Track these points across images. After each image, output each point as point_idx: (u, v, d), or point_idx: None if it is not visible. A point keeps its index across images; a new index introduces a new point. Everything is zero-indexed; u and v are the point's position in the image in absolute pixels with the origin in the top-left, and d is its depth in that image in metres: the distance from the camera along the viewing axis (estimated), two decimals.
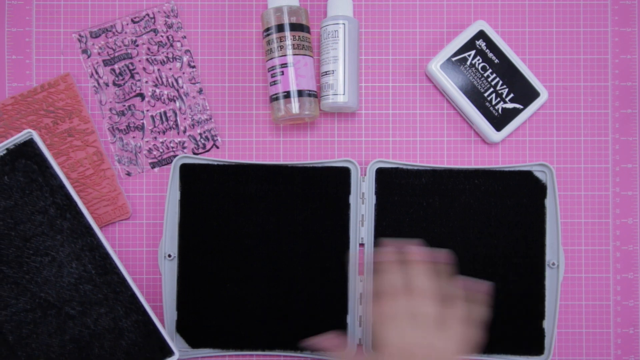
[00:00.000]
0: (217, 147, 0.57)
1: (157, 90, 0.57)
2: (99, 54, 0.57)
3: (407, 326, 0.43)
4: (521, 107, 0.56)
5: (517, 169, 0.56)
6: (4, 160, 0.48)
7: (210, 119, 0.57)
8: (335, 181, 0.55)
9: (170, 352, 0.51)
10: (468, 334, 0.45)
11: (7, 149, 0.48)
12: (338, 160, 0.55)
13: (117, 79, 0.57)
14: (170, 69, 0.57)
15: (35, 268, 0.48)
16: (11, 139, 0.49)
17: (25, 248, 0.48)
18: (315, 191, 0.55)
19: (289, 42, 0.53)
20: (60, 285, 0.48)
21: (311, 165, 0.55)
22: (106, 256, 0.50)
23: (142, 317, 0.50)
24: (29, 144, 0.49)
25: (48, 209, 0.48)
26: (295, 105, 0.53)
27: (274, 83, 0.54)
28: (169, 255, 0.55)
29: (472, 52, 0.56)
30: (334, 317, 0.55)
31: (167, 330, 0.55)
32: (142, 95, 0.57)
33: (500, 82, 0.56)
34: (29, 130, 0.49)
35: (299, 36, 0.53)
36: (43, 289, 0.48)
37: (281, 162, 0.57)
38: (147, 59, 0.57)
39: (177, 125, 0.57)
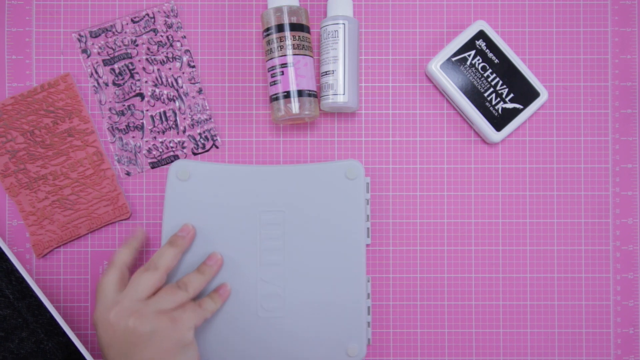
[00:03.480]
0: (217, 147, 0.57)
1: (157, 90, 0.57)
2: (98, 53, 0.57)
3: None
4: (521, 107, 0.56)
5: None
6: None
7: (210, 118, 0.57)
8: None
9: None
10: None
11: None
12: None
13: (116, 78, 0.57)
14: (170, 68, 0.57)
15: None
16: None
17: None
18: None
19: (289, 42, 0.53)
20: None
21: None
22: (22, 280, 0.50)
23: (63, 339, 0.51)
24: None
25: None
26: (295, 105, 0.53)
27: (274, 83, 0.54)
28: None
29: (472, 52, 0.56)
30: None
31: None
32: (141, 95, 0.57)
33: (500, 82, 0.56)
34: None
35: (299, 36, 0.53)
36: None
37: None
38: (146, 59, 0.57)
39: (176, 125, 0.57)
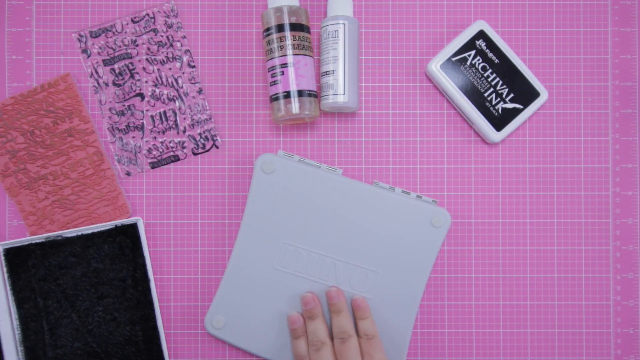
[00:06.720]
0: (217, 147, 0.57)
1: (157, 90, 0.57)
2: (98, 53, 0.57)
3: None
4: (521, 107, 0.56)
5: None
6: (110, 232, 0.56)
7: (210, 118, 0.57)
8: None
9: None
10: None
11: (115, 225, 0.56)
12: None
13: (116, 78, 0.57)
14: (170, 68, 0.57)
15: (97, 322, 0.55)
16: (123, 220, 0.56)
17: (97, 305, 0.55)
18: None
19: (289, 42, 0.53)
20: (111, 341, 0.55)
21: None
22: (155, 328, 0.56)
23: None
24: (134, 226, 0.56)
25: (127, 279, 0.56)
26: (295, 105, 0.53)
27: (274, 83, 0.54)
28: None
29: (472, 52, 0.56)
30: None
31: None
32: (141, 95, 0.57)
33: (500, 82, 0.56)
34: (139, 217, 0.56)
35: (299, 36, 0.53)
36: (96, 340, 0.55)
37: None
38: (147, 59, 0.57)
39: (176, 125, 0.57)
